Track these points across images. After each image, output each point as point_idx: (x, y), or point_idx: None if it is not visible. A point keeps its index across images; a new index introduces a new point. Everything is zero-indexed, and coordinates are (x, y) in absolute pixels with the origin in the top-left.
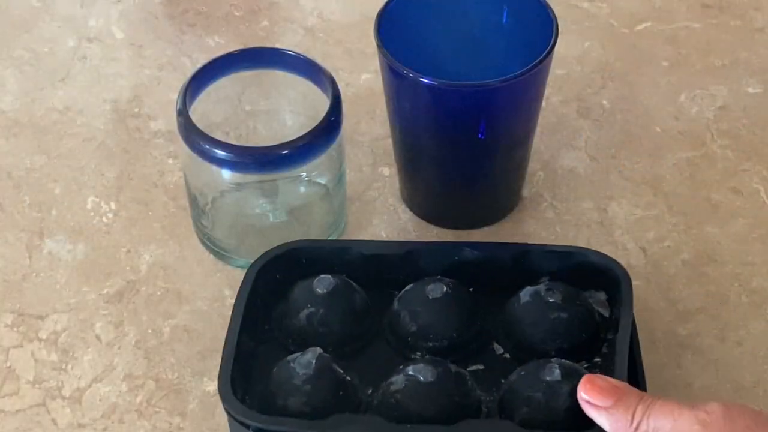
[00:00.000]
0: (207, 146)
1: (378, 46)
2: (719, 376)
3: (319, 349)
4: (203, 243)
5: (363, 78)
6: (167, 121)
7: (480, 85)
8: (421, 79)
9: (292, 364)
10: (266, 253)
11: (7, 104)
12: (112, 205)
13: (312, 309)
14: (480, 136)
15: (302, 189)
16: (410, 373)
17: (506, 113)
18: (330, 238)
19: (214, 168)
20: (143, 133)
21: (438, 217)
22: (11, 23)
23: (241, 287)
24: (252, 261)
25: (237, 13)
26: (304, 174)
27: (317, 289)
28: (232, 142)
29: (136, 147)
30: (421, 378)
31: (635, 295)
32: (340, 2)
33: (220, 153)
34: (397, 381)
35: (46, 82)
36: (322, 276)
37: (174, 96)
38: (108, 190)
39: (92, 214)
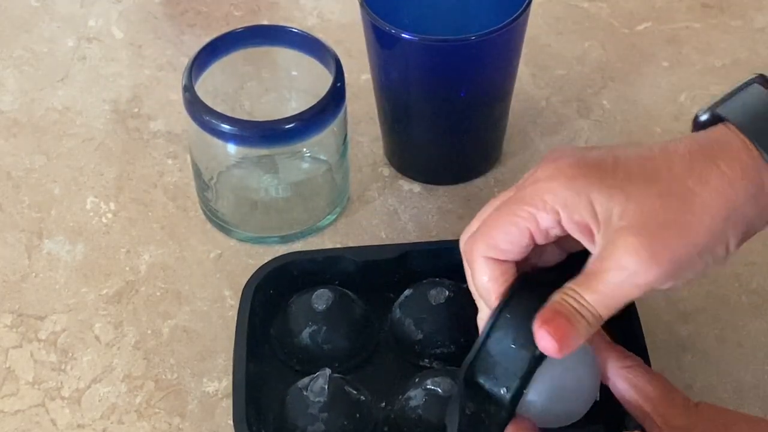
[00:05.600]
0: (213, 120)
1: (361, 4)
2: (719, 377)
3: (328, 371)
4: (206, 215)
5: (363, 78)
6: (167, 122)
7: (458, 40)
8: (403, 35)
9: (305, 392)
10: (259, 269)
11: (6, 104)
12: (112, 206)
13: (314, 327)
14: (462, 93)
15: (305, 165)
16: (429, 386)
17: (485, 69)
18: (333, 213)
19: (220, 143)
20: (143, 134)
21: (420, 172)
22: (11, 23)
23: (240, 310)
24: (255, 235)
25: (237, 13)
26: (306, 150)
27: (316, 306)
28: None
29: (135, 147)
30: (441, 391)
31: None
32: (340, 2)
33: (226, 127)
34: (416, 396)
35: (45, 82)
36: (319, 291)
37: (174, 96)
38: (107, 190)
39: (91, 214)
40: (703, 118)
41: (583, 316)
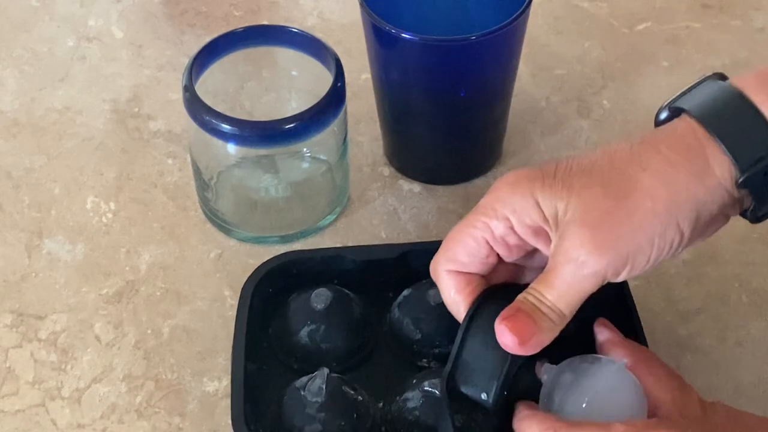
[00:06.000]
0: (213, 120)
1: (361, 3)
2: (719, 377)
3: (326, 371)
4: (206, 215)
5: (363, 78)
6: (167, 121)
7: (458, 40)
8: (403, 35)
9: (302, 392)
10: (258, 268)
11: (6, 104)
12: (112, 205)
13: (312, 326)
14: (462, 93)
15: (305, 165)
16: (426, 388)
17: (485, 69)
18: (333, 213)
19: (220, 143)
20: (143, 133)
21: (420, 171)
22: (11, 23)
23: (238, 309)
24: (255, 235)
25: (237, 13)
26: (306, 149)
27: (315, 305)
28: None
29: (135, 147)
30: (438, 393)
31: (635, 295)
32: (340, 2)
33: (226, 127)
34: (414, 397)
35: (45, 82)
36: (318, 290)
37: (174, 96)
38: (107, 190)
39: (92, 214)
40: (663, 116)
41: (544, 313)
